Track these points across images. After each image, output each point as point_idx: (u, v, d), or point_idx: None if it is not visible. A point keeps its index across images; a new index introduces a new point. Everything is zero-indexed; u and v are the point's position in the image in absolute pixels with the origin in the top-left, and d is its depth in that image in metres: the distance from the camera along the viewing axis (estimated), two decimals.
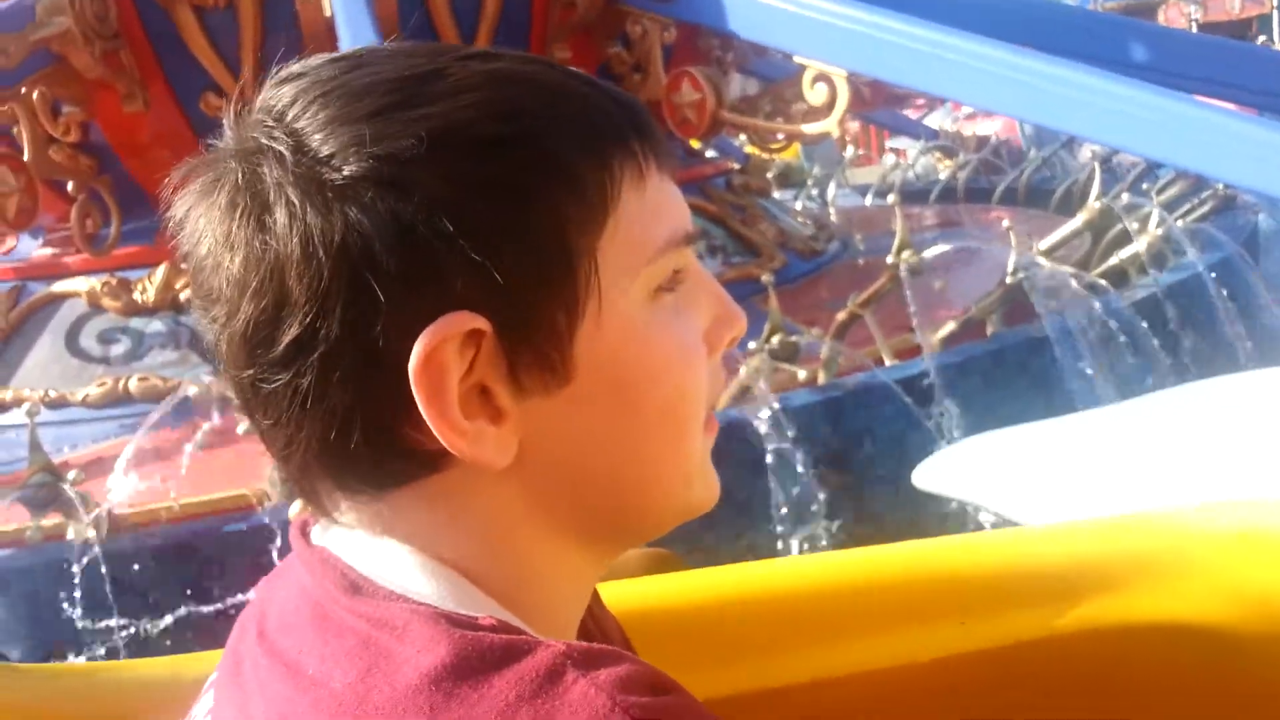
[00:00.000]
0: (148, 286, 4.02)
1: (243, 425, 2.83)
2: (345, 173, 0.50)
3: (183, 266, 0.55)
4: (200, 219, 0.53)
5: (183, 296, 3.99)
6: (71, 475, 2.70)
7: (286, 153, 0.51)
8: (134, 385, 3.74)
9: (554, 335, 0.53)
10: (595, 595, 0.68)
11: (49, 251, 4.47)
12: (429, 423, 0.51)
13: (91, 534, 2.54)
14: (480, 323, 0.51)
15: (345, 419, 0.51)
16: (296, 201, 0.50)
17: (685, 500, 0.59)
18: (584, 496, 0.56)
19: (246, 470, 2.80)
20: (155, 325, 3.97)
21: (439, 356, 0.50)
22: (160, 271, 4.02)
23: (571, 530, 0.57)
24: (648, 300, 0.56)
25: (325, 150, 0.51)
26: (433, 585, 0.53)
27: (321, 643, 0.51)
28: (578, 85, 0.55)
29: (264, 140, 0.52)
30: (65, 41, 3.73)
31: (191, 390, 2.98)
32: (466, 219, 0.50)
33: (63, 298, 4.14)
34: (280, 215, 0.50)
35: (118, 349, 3.95)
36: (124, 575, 2.51)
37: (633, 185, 0.55)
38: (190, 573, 2.55)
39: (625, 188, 0.55)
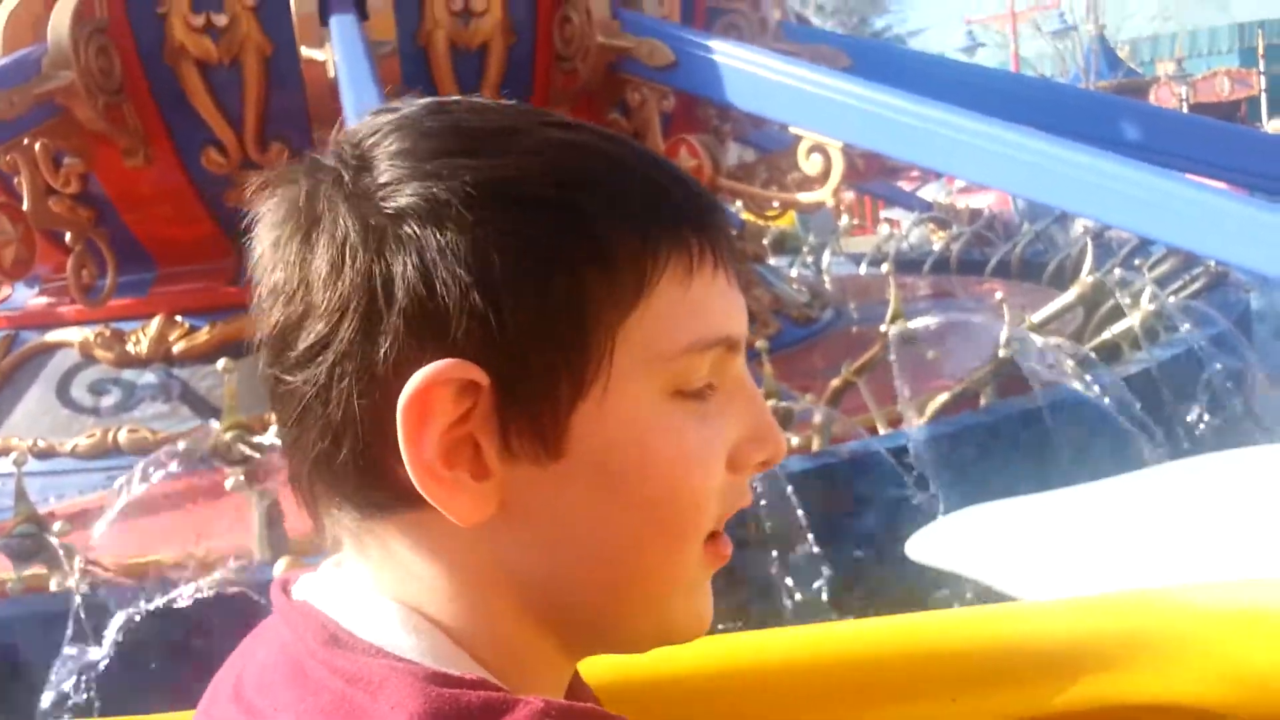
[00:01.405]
0: (141, 338, 4.02)
1: (230, 480, 2.81)
2: (392, 204, 0.52)
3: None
4: (261, 226, 0.56)
5: (175, 349, 4.00)
6: (57, 526, 2.67)
7: (347, 175, 0.54)
8: (123, 437, 3.73)
9: (552, 407, 0.52)
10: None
11: (44, 301, 4.48)
12: (405, 458, 0.51)
13: (74, 586, 2.51)
14: (478, 375, 0.51)
15: (337, 434, 0.52)
16: (343, 222, 0.52)
17: (664, 620, 0.57)
18: (555, 579, 0.55)
19: (234, 525, 2.78)
20: (147, 377, 3.97)
21: (429, 398, 0.51)
22: (154, 324, 4.02)
23: (542, 612, 0.55)
24: (664, 398, 0.54)
25: (382, 179, 0.53)
26: (413, 640, 0.52)
27: (297, 699, 0.50)
28: (648, 169, 0.55)
29: (333, 161, 0.55)
30: (69, 94, 3.77)
31: (181, 445, 2.95)
32: (486, 272, 0.50)
33: (55, 347, 4.14)
34: (324, 231, 0.53)
35: (108, 400, 3.94)
36: (106, 628, 2.47)
37: (677, 278, 0.54)
38: (173, 628, 2.51)
39: (666, 279, 0.54)
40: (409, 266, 0.50)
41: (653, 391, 0.54)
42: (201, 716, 0.58)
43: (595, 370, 0.52)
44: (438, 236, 0.51)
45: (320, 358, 0.52)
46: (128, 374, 4.00)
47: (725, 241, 0.57)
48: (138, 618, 2.51)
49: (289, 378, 0.53)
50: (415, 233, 0.51)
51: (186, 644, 2.47)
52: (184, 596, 2.55)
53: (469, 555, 0.54)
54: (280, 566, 2.10)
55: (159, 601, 2.54)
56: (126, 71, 3.95)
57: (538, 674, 0.56)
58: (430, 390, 0.50)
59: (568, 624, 0.56)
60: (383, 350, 0.51)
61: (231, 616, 2.41)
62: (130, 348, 4.02)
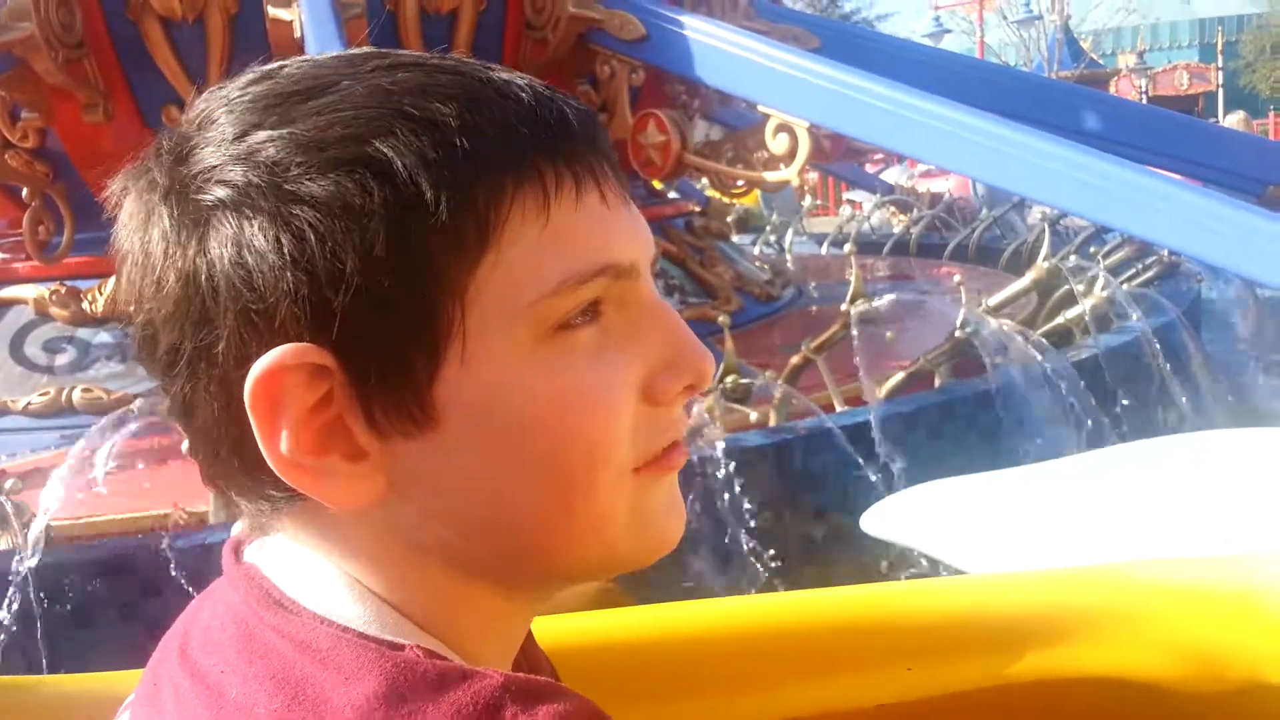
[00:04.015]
0: (97, 297, 3.97)
1: (187, 443, 2.79)
2: (209, 195, 0.49)
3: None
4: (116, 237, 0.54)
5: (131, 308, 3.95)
6: (8, 485, 2.64)
7: (160, 174, 0.51)
8: (77, 396, 3.68)
9: (410, 378, 0.49)
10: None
11: None
12: (263, 453, 0.49)
13: (25, 545, 2.48)
14: (319, 357, 0.48)
15: (214, 437, 0.51)
16: (162, 224, 0.50)
17: (612, 552, 0.54)
18: (471, 542, 0.52)
19: (190, 487, 2.76)
20: (102, 336, 3.92)
21: (273, 389, 0.48)
22: (110, 282, 3.96)
23: (476, 573, 0.53)
24: (540, 340, 0.50)
25: (198, 168, 0.50)
26: (359, 609, 0.50)
27: (245, 663, 0.49)
28: (484, 100, 0.50)
29: (164, 152, 0.52)
30: (28, 46, 3.68)
31: (136, 405, 2.92)
32: (300, 250, 0.47)
33: (9, 304, 4.07)
34: (150, 238, 0.51)
35: (63, 358, 3.89)
36: (57, 589, 2.45)
37: (529, 215, 0.50)
38: (126, 589, 2.50)
39: (517, 218, 0.49)
40: (226, 259, 0.48)
41: (524, 341, 0.50)
42: (149, 676, 0.56)
43: (447, 333, 0.49)
44: (249, 221, 0.48)
45: (176, 367, 0.50)
46: (83, 332, 3.95)
47: (595, 160, 0.52)
48: (89, 577, 2.50)
49: (163, 382, 0.52)
50: (229, 222, 0.48)
51: (139, 604, 2.46)
52: (136, 557, 2.54)
53: (375, 535, 0.52)
54: (238, 528, 2.09)
55: (110, 561, 2.53)
56: (88, 25, 3.87)
57: (485, 639, 0.55)
58: (272, 380, 0.48)
59: (503, 576, 0.54)
60: (221, 349, 0.49)
61: (184, 578, 2.40)
62: (86, 306, 3.96)
